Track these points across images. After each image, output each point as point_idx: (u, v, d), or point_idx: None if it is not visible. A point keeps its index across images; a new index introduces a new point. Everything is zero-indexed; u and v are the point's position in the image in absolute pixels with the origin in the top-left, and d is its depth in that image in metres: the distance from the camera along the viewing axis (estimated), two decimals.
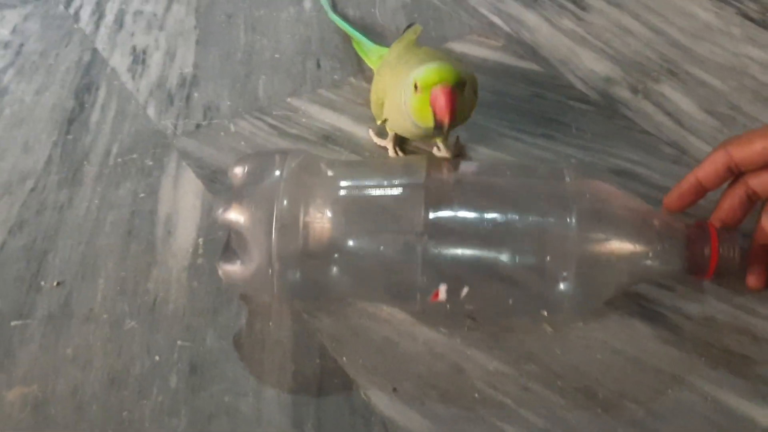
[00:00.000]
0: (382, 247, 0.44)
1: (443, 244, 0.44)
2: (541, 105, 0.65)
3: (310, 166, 0.47)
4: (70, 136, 0.65)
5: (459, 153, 0.60)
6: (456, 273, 0.44)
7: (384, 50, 0.65)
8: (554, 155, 0.59)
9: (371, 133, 0.62)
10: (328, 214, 0.44)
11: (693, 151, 0.59)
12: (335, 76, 0.70)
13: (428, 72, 0.47)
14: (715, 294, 0.49)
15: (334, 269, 0.45)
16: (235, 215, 0.44)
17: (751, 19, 0.75)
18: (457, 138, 0.61)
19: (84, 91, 0.70)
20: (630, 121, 0.63)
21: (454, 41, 0.74)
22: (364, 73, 0.70)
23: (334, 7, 0.79)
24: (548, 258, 0.43)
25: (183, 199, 0.57)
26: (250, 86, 0.70)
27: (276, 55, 0.74)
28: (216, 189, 0.58)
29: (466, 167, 0.50)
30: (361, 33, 0.71)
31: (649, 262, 0.44)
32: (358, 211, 0.45)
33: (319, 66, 0.72)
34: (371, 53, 0.68)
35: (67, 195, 0.58)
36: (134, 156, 0.62)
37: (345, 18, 0.75)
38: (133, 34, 0.79)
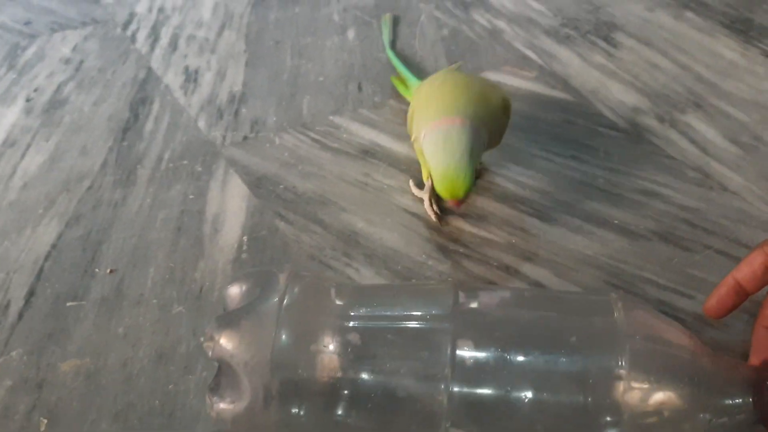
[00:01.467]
0: (400, 391, 0.38)
1: (473, 388, 0.38)
2: (571, 130, 0.68)
3: (316, 292, 0.41)
4: (125, 143, 0.69)
5: (479, 175, 0.63)
6: (488, 419, 0.39)
7: None
8: (583, 175, 0.62)
9: (411, 183, 0.63)
10: (335, 350, 0.38)
11: (716, 175, 0.62)
12: (376, 98, 0.74)
13: (441, 184, 0.52)
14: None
15: (340, 413, 0.39)
16: (226, 345, 0.38)
17: None
18: (480, 163, 0.64)
19: (139, 104, 0.75)
20: (656, 147, 0.66)
21: (489, 71, 0.78)
22: (404, 97, 0.74)
23: (393, 45, 0.83)
24: (594, 407, 0.37)
25: (230, 202, 0.61)
26: (294, 104, 0.74)
27: (320, 78, 0.78)
28: (261, 194, 0.61)
29: (499, 297, 0.43)
30: (408, 71, 0.74)
31: (710, 415, 0.38)
32: (373, 349, 0.39)
33: (360, 89, 0.76)
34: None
35: (121, 194, 0.62)
36: (185, 162, 0.66)
37: (400, 56, 0.79)
38: (186, 56, 0.84)
